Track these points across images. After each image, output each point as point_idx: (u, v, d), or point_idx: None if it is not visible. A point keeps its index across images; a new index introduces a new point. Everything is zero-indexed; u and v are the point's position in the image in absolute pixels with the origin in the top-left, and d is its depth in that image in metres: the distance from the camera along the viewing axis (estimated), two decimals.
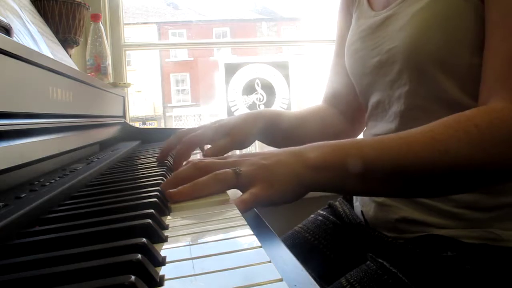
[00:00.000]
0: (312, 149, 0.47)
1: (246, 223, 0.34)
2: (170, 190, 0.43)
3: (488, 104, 0.49)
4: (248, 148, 0.72)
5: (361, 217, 0.71)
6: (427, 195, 0.56)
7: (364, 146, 0.47)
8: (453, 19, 0.55)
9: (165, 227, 0.35)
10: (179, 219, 0.38)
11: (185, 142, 0.63)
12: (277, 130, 0.73)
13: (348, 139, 0.50)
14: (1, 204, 0.34)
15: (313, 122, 0.79)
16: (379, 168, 0.46)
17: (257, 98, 1.75)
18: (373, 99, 0.68)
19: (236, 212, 0.38)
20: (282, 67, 1.76)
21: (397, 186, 0.48)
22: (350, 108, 0.80)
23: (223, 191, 0.44)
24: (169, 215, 0.39)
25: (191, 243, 0.31)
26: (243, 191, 0.43)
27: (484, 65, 0.52)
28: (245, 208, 0.41)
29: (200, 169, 0.45)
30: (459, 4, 0.54)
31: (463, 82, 0.56)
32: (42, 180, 0.47)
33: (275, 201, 0.44)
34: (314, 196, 1.70)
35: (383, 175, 0.46)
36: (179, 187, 0.43)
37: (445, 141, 0.45)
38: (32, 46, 0.66)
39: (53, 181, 0.47)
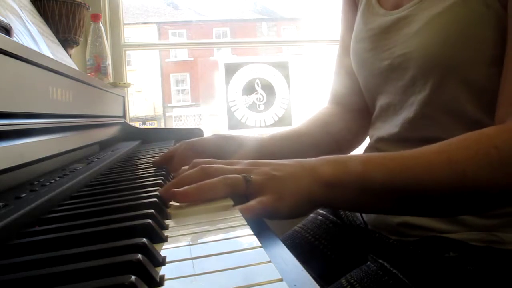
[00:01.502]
0: (325, 164, 0.45)
1: (246, 223, 0.34)
2: (175, 189, 0.41)
3: (507, 122, 0.47)
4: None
5: (360, 218, 0.70)
6: (444, 215, 0.55)
7: (379, 165, 0.45)
8: (472, 27, 0.53)
9: (165, 227, 0.35)
10: (179, 219, 0.38)
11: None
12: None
13: (361, 155, 0.48)
14: (1, 204, 0.34)
15: (313, 134, 0.76)
16: (393, 189, 0.44)
17: (257, 98, 1.75)
18: (382, 101, 0.67)
19: (236, 212, 0.38)
20: (282, 67, 1.76)
21: (412, 207, 0.47)
22: (358, 107, 0.78)
23: (229, 196, 0.42)
24: (169, 215, 0.39)
25: (191, 243, 0.31)
26: (249, 200, 0.42)
27: (503, 80, 0.50)
28: (251, 215, 0.39)
29: (209, 174, 0.43)
30: (480, 11, 0.52)
31: (479, 94, 0.55)
32: (42, 180, 0.47)
33: (283, 214, 0.42)
34: None
35: (398, 196, 0.45)
36: (185, 187, 0.41)
37: (463, 163, 0.43)
38: (32, 46, 0.66)
39: (53, 181, 0.47)
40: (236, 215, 0.36)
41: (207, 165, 0.45)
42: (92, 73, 1.17)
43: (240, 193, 0.42)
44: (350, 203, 0.47)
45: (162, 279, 0.24)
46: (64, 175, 0.51)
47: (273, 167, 0.45)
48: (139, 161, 0.74)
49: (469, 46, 0.54)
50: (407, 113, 0.61)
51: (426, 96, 0.58)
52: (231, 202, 0.40)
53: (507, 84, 0.50)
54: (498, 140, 0.44)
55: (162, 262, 0.27)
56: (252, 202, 0.40)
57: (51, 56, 0.74)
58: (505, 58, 0.51)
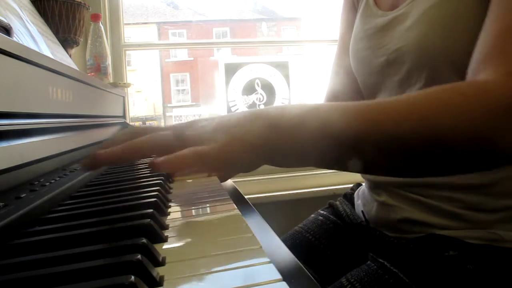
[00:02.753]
0: (275, 108, 0.42)
1: (246, 223, 0.34)
2: (98, 150, 0.37)
3: (476, 78, 0.45)
4: None
5: (362, 217, 0.71)
6: (407, 173, 0.50)
7: (337, 106, 0.42)
8: (463, 19, 0.54)
9: (165, 227, 0.35)
10: (179, 219, 0.38)
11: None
12: None
13: (319, 103, 0.44)
14: (1, 204, 0.34)
15: None
16: (351, 132, 0.40)
17: (257, 98, 1.75)
18: (380, 99, 0.67)
19: (237, 212, 0.37)
20: (282, 67, 1.76)
21: (373, 157, 0.41)
22: None
23: (160, 151, 0.38)
24: (169, 215, 0.39)
25: (191, 243, 0.30)
26: None
27: (477, 43, 0.48)
28: (182, 165, 0.35)
29: (139, 134, 0.40)
30: (469, 3, 0.53)
31: None
32: (42, 180, 0.47)
33: (225, 166, 0.39)
34: (315, 196, 1.69)
35: (357, 141, 0.40)
36: (110, 148, 0.38)
37: (427, 108, 0.40)
38: (32, 46, 0.66)
39: (53, 181, 0.46)
40: (236, 215, 0.36)
41: (138, 128, 0.43)
42: (92, 73, 1.17)
43: (170, 147, 0.39)
44: (299, 151, 0.41)
45: (162, 279, 0.24)
46: (64, 175, 0.51)
47: (214, 121, 0.42)
48: (139, 161, 0.74)
49: (461, 37, 0.54)
50: None
51: (422, 87, 0.59)
52: (231, 202, 0.40)
53: (477, 47, 0.47)
54: (465, 89, 0.41)
55: (162, 262, 0.27)
56: (184, 151, 0.37)
57: (51, 56, 0.74)
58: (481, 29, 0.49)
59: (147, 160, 0.72)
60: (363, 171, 0.48)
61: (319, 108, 0.42)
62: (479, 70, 0.45)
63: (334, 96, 0.83)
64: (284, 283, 0.22)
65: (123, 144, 0.38)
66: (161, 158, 0.35)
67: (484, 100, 0.39)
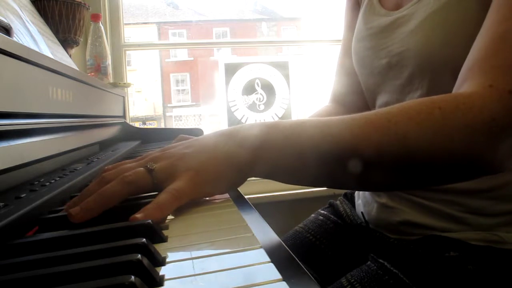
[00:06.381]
0: (249, 127, 0.41)
1: (246, 223, 0.34)
2: (71, 209, 0.34)
3: (459, 90, 0.44)
4: None
5: (362, 217, 0.70)
6: (385, 188, 0.50)
7: (309, 127, 0.41)
8: (467, 25, 0.53)
9: (166, 227, 0.35)
10: (179, 219, 0.38)
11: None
12: None
13: (292, 120, 0.44)
14: (1, 204, 0.34)
15: None
16: (324, 151, 0.39)
17: (257, 98, 1.75)
18: (381, 100, 0.67)
19: (237, 212, 0.37)
20: (282, 67, 1.76)
21: (352, 174, 0.40)
22: (358, 107, 0.78)
23: (136, 194, 0.37)
24: (169, 215, 0.39)
25: (191, 243, 0.31)
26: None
27: (471, 49, 0.47)
28: (163, 214, 0.34)
29: (109, 180, 0.37)
30: (474, 10, 0.52)
31: None
32: (42, 180, 0.47)
33: (206, 191, 0.38)
34: (315, 195, 1.69)
35: (333, 159, 0.39)
36: (82, 203, 0.35)
37: (404, 124, 0.39)
38: (32, 46, 0.66)
39: (53, 181, 0.46)
40: (236, 215, 0.36)
41: (107, 172, 0.40)
42: (92, 73, 1.17)
43: (147, 187, 0.37)
44: (279, 169, 0.41)
45: (162, 279, 0.24)
46: (64, 175, 0.51)
47: (185, 145, 0.40)
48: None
49: (463, 44, 0.53)
50: None
51: (423, 94, 0.58)
52: (231, 202, 0.40)
53: (471, 51, 0.46)
54: (442, 102, 0.40)
55: (162, 262, 0.27)
56: (160, 196, 0.35)
57: (51, 56, 0.74)
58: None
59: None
60: (339, 186, 0.47)
61: (295, 123, 0.42)
62: (465, 79, 0.44)
63: (335, 97, 0.83)
64: (284, 283, 0.22)
65: (96, 194, 0.36)
66: (140, 214, 0.33)
67: (463, 115, 0.39)
